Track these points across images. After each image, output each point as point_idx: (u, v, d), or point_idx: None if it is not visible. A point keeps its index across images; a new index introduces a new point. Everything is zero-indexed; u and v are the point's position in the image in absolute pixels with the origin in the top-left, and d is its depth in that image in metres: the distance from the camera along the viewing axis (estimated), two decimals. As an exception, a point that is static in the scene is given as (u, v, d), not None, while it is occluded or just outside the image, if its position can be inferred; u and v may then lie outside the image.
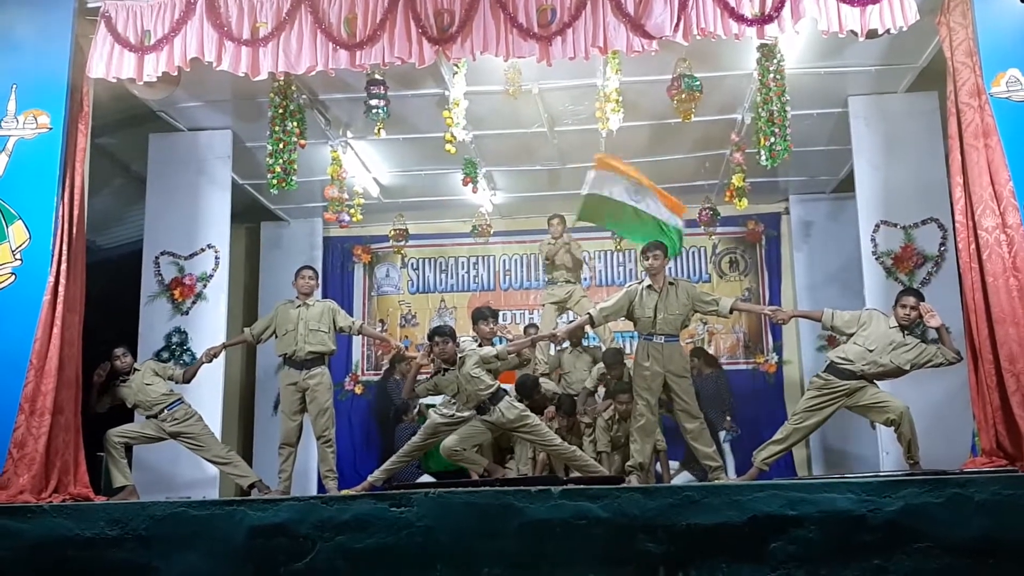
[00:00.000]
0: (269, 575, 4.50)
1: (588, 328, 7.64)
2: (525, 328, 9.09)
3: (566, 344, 8.45)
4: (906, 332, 6.17)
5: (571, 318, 8.88)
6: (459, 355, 6.36)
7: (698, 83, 6.64)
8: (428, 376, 6.75)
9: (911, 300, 6.16)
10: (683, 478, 7.76)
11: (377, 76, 6.80)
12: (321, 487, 7.56)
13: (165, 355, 7.60)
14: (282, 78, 6.76)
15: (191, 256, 7.86)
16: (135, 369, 7.02)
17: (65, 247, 5.82)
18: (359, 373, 10.55)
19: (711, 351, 9.90)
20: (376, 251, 10.79)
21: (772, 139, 6.64)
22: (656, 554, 4.33)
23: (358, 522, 4.50)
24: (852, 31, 5.73)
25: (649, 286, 6.49)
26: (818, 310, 6.76)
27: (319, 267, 9.21)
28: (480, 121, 7.70)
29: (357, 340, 10.45)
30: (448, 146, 7.05)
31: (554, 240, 8.72)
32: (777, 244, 10.38)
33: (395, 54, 5.92)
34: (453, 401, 6.47)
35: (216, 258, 7.85)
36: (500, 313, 9.16)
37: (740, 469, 7.63)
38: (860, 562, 4.24)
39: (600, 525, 4.39)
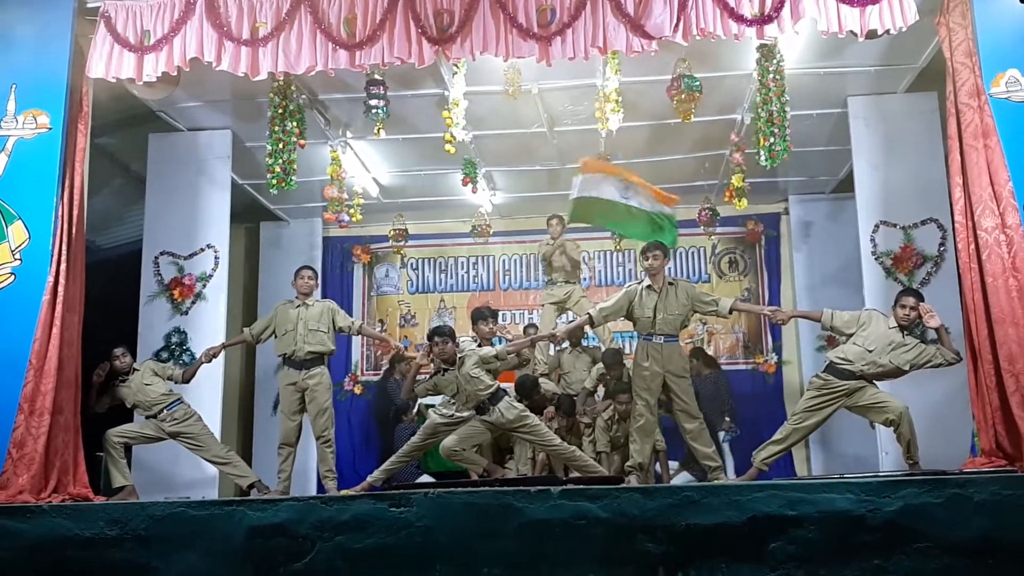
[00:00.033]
0: (268, 575, 4.51)
1: (587, 328, 7.65)
2: (525, 328, 9.08)
3: (565, 344, 8.45)
4: (905, 332, 6.17)
5: (570, 318, 8.88)
6: (459, 355, 6.36)
7: (698, 83, 6.64)
8: (428, 376, 6.75)
9: (910, 300, 6.16)
10: (683, 478, 7.76)
11: (377, 76, 6.80)
12: (320, 487, 7.55)
13: (164, 355, 7.60)
14: (282, 78, 6.76)
15: (191, 256, 7.86)
16: (134, 369, 7.02)
17: (65, 247, 5.82)
18: (358, 373, 10.55)
19: (711, 351, 9.91)
20: (376, 251, 10.79)
21: (772, 139, 6.65)
22: (655, 554, 4.33)
23: (357, 522, 4.50)
24: (852, 31, 5.73)
25: (649, 286, 6.49)
26: (817, 310, 6.76)
27: (318, 267, 9.21)
28: (480, 121, 7.70)
29: (356, 340, 10.45)
30: (448, 146, 7.05)
31: (552, 240, 8.73)
32: (777, 244, 10.38)
33: (395, 54, 5.92)
34: (452, 401, 6.47)
35: (216, 258, 7.85)
36: (499, 313, 9.17)
37: (739, 469, 7.63)
38: (859, 562, 4.25)
39: (599, 525, 4.39)
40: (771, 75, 6.63)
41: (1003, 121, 5.60)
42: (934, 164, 7.21)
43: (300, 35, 6.01)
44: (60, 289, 5.74)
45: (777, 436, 6.35)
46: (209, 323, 7.74)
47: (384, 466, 6.58)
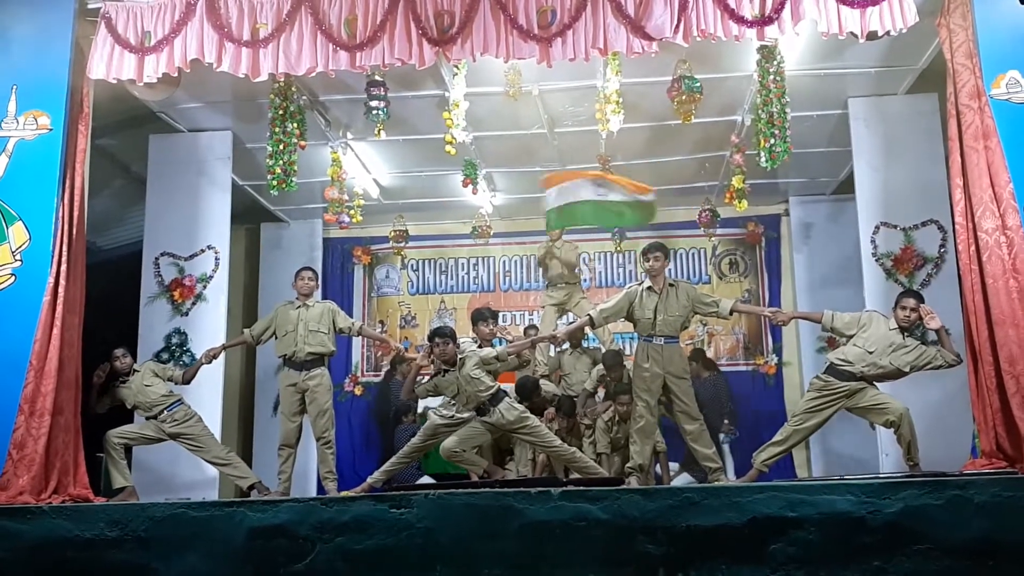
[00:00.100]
0: (268, 576, 4.51)
1: (588, 329, 7.65)
2: (525, 329, 9.09)
3: (566, 346, 8.44)
4: (906, 334, 6.17)
5: (571, 319, 8.88)
6: (459, 356, 6.36)
7: (698, 84, 6.64)
8: (428, 377, 6.75)
9: (911, 302, 6.16)
10: (683, 480, 7.76)
11: (377, 77, 6.80)
12: (321, 488, 7.55)
13: (165, 356, 7.60)
14: (282, 79, 6.77)
15: (191, 257, 7.85)
16: (135, 370, 7.02)
17: (65, 248, 5.82)
18: (359, 374, 10.56)
19: (711, 353, 9.92)
20: (376, 252, 10.79)
21: (772, 141, 6.64)
22: (656, 555, 4.33)
23: (358, 523, 4.50)
24: (852, 33, 5.73)
25: (649, 287, 6.49)
26: (818, 312, 6.75)
27: (319, 268, 9.19)
28: (480, 122, 7.71)
29: (357, 341, 10.45)
30: (448, 147, 7.05)
31: (552, 242, 8.73)
32: (777, 246, 10.38)
33: (395, 55, 5.92)
34: (453, 402, 6.47)
35: (216, 259, 7.85)
36: (500, 314, 9.18)
37: (740, 471, 7.62)
38: (860, 564, 4.25)
39: (600, 527, 4.39)
40: (771, 76, 6.63)
41: (1003, 122, 5.59)
42: (934, 165, 7.21)
43: (301, 36, 6.01)
44: (60, 290, 5.74)
45: (777, 437, 6.35)
46: (209, 324, 7.74)
47: (384, 467, 6.58)
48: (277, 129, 7.04)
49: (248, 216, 9.81)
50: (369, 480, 6.53)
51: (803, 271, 9.83)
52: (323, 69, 6.01)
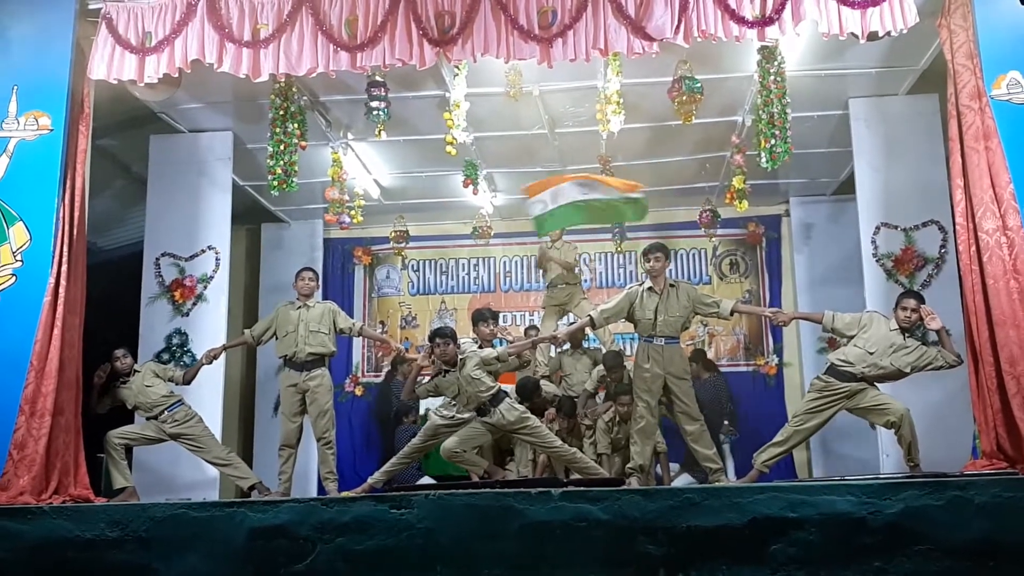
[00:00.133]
0: (269, 577, 4.51)
1: (588, 330, 7.65)
2: (525, 330, 9.09)
3: (566, 346, 8.44)
4: (907, 334, 6.17)
5: (571, 320, 8.88)
6: (460, 357, 6.36)
7: (699, 85, 6.64)
8: (429, 378, 6.75)
9: (912, 302, 6.16)
10: (683, 480, 7.76)
11: (378, 78, 6.80)
12: (321, 489, 7.55)
13: (165, 356, 7.60)
14: (283, 80, 6.77)
15: (192, 257, 7.85)
16: (135, 370, 7.02)
17: (66, 248, 5.83)
18: (359, 375, 10.55)
19: (712, 353, 9.91)
20: (376, 253, 10.79)
21: (772, 141, 6.64)
22: (656, 556, 4.33)
23: (358, 524, 4.50)
24: (853, 33, 5.73)
25: (650, 288, 6.49)
26: (818, 312, 6.74)
27: (319, 269, 9.19)
28: (481, 123, 7.70)
29: (357, 342, 10.45)
30: (449, 148, 7.05)
31: (551, 243, 8.73)
32: (777, 246, 10.38)
33: (396, 56, 5.92)
34: (453, 403, 6.47)
35: (217, 259, 7.84)
36: (500, 315, 9.18)
37: (740, 471, 7.61)
38: (860, 564, 4.25)
39: (600, 527, 4.39)
40: (772, 77, 6.63)
41: (1004, 123, 5.59)
42: (935, 166, 7.21)
43: (301, 37, 6.01)
44: (61, 290, 5.74)
45: (778, 438, 6.35)
46: (210, 324, 7.74)
47: (385, 468, 6.58)
48: (278, 129, 7.04)
49: (249, 216, 9.81)
50: (370, 480, 6.53)
51: (804, 272, 9.82)
52: (324, 69, 6.01)
